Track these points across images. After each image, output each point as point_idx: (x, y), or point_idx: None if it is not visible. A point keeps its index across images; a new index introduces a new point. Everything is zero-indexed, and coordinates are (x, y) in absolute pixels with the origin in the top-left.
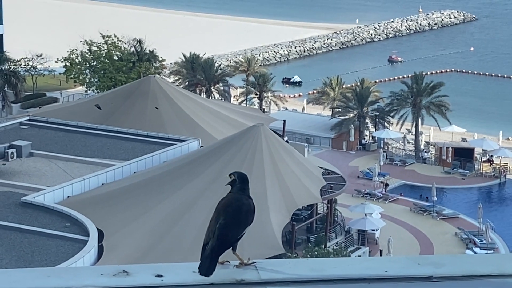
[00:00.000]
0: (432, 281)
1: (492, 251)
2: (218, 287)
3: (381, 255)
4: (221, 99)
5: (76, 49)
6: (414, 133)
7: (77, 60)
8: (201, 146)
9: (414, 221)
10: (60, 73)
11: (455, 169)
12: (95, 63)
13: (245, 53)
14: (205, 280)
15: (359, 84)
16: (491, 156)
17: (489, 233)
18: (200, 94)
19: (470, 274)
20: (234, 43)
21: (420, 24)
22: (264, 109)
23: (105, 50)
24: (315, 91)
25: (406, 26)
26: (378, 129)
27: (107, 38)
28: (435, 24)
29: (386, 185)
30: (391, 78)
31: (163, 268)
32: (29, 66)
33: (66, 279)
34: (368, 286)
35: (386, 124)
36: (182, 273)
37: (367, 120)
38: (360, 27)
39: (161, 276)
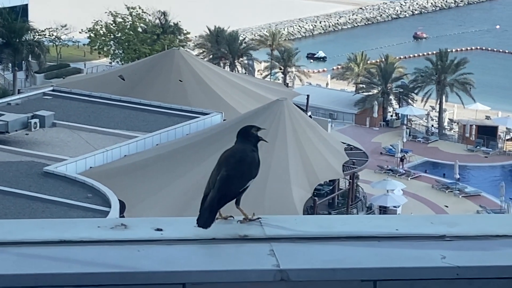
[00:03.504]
0: (445, 240)
1: None
2: (220, 242)
3: None
4: (245, 73)
5: (100, 20)
6: (438, 110)
7: (101, 31)
8: (224, 120)
9: (436, 198)
10: (84, 44)
11: (478, 147)
12: (119, 34)
13: (270, 27)
14: (207, 235)
15: (383, 60)
16: None
17: (511, 211)
18: (224, 68)
19: (485, 234)
20: (259, 17)
21: (446, 1)
22: (288, 83)
23: (130, 22)
24: (339, 67)
25: (432, 3)
26: (402, 105)
27: (131, 10)
28: (461, 1)
29: (402, 159)
30: (416, 55)
31: (163, 221)
32: (54, 37)
33: (61, 231)
34: (378, 244)
35: (410, 100)
36: (183, 227)
37: (391, 97)
38: (386, 3)
39: (160, 230)
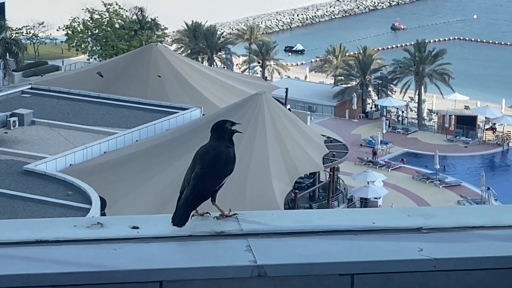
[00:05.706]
0: (422, 232)
1: None
2: (197, 239)
3: None
4: (223, 67)
5: (77, 17)
6: (417, 101)
7: (79, 28)
8: (203, 114)
9: (416, 189)
10: (62, 42)
11: (457, 137)
12: (97, 31)
13: (247, 21)
14: (183, 232)
15: (361, 52)
16: (494, 123)
17: (491, 201)
18: (202, 62)
19: (462, 225)
20: (236, 11)
21: None
22: (266, 77)
23: (107, 18)
24: (317, 59)
25: None
26: (381, 97)
27: (108, 6)
28: None
29: (375, 153)
30: (394, 46)
31: (140, 219)
32: (31, 34)
33: (37, 231)
34: (355, 238)
35: (389, 92)
36: (159, 225)
37: (369, 88)
38: None
39: (137, 227)
